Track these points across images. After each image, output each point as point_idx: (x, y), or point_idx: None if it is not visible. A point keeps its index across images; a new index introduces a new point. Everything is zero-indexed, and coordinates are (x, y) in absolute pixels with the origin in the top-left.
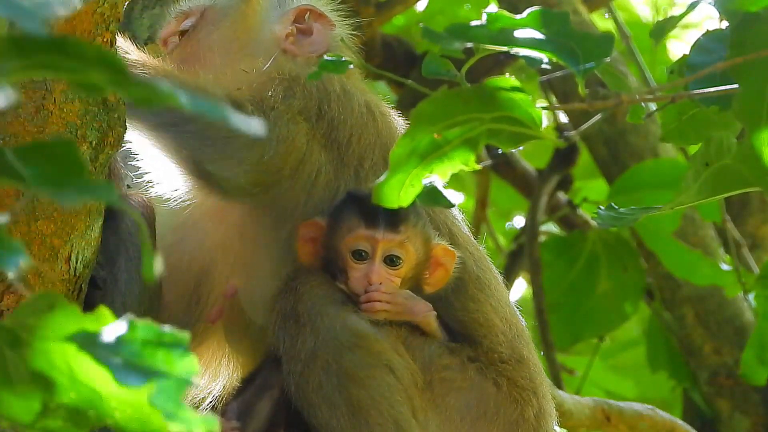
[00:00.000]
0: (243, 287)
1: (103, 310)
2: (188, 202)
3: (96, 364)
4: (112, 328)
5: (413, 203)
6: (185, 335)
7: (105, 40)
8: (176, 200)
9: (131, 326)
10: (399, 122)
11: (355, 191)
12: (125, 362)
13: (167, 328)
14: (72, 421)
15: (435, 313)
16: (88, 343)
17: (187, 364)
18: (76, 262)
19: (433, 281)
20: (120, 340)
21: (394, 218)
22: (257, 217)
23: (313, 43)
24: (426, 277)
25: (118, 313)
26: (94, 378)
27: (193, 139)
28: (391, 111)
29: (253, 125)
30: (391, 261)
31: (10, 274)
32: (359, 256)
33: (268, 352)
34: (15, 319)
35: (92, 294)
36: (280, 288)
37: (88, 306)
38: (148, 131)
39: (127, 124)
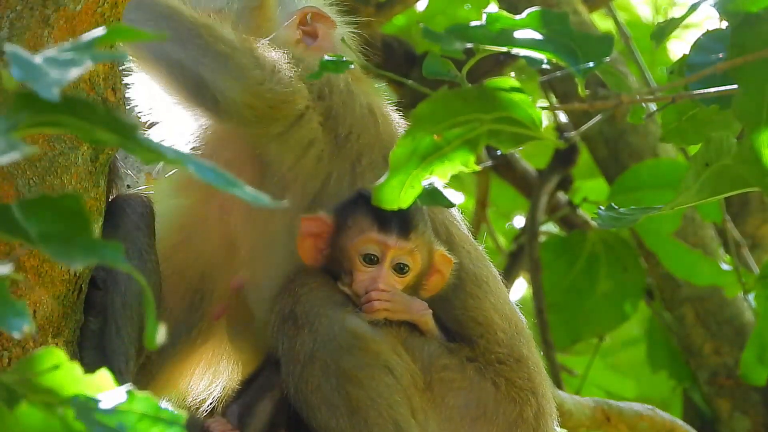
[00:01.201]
0: (250, 280)
1: (105, 373)
2: (193, 195)
3: None
4: (112, 396)
5: (420, 209)
6: (182, 414)
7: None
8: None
9: (130, 397)
10: (401, 124)
11: (366, 191)
12: None
13: (165, 404)
14: None
15: (431, 311)
16: (85, 408)
17: None
18: None
19: (430, 287)
20: (117, 411)
21: (406, 225)
22: (259, 207)
23: (320, 48)
24: (424, 283)
25: (118, 314)
26: None
27: (198, 51)
28: (395, 114)
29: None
30: (399, 269)
31: (15, 335)
32: (369, 260)
33: (269, 353)
34: (17, 373)
35: (92, 294)
36: (279, 289)
37: (89, 306)
38: (151, 47)
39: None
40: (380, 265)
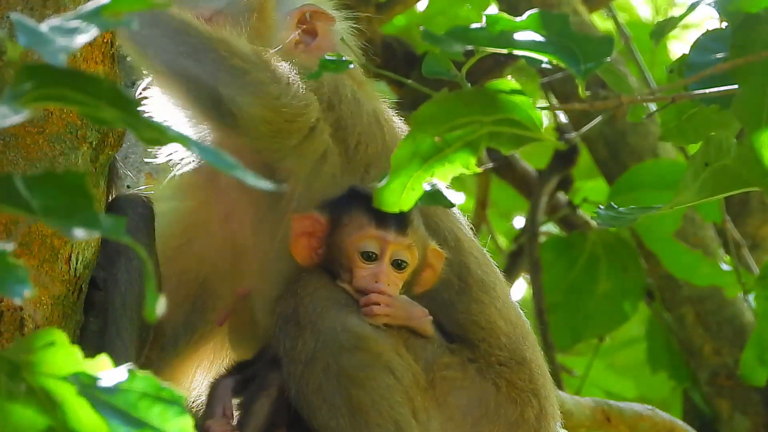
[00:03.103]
0: (256, 288)
1: (103, 356)
2: (195, 199)
3: (91, 411)
4: (111, 374)
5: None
6: (182, 394)
7: (105, 40)
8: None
9: (131, 375)
10: (403, 128)
11: (358, 187)
12: (120, 412)
13: (166, 384)
14: None
15: (431, 318)
16: (86, 385)
17: (182, 424)
18: (77, 263)
19: (422, 282)
20: (118, 388)
21: (403, 221)
22: (270, 213)
23: (321, 47)
24: (417, 278)
25: (118, 314)
26: (85, 426)
27: (213, 65)
28: (395, 117)
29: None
30: (398, 264)
31: (17, 300)
32: (368, 256)
33: (264, 349)
34: (12, 353)
35: (92, 295)
36: (281, 291)
37: (89, 307)
38: (167, 61)
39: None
40: (380, 261)
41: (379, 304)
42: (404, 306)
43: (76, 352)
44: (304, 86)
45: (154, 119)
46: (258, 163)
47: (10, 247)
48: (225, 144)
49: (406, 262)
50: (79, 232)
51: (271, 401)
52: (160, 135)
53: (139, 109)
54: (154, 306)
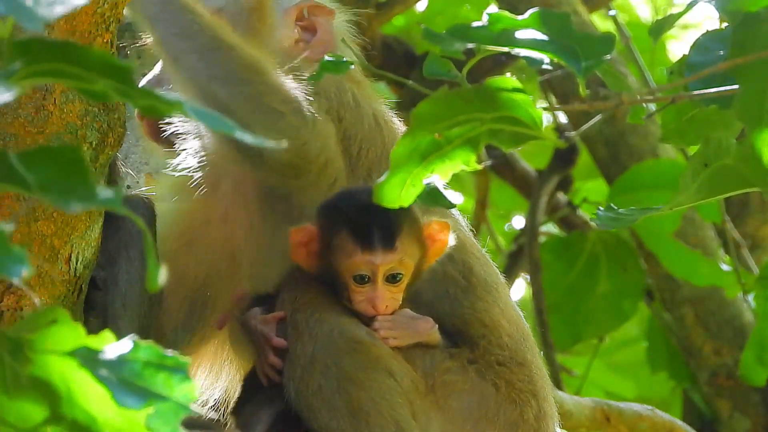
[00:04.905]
0: (253, 290)
1: (106, 332)
2: (196, 197)
3: (95, 383)
4: (114, 347)
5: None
6: (186, 360)
7: (105, 40)
8: (192, 175)
9: (134, 346)
10: (402, 128)
11: (344, 199)
12: (125, 382)
13: (170, 352)
14: None
15: (437, 326)
16: (89, 359)
17: (187, 390)
18: (77, 263)
19: (431, 255)
20: (121, 359)
21: (389, 236)
22: (265, 218)
23: (322, 42)
24: (423, 262)
25: (118, 314)
26: (91, 401)
27: (247, 102)
28: (395, 118)
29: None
30: (392, 278)
31: (15, 280)
32: (361, 279)
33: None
34: (15, 332)
35: (92, 295)
36: (279, 296)
37: (89, 307)
38: (198, 84)
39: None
40: (373, 283)
41: (388, 338)
42: (408, 324)
43: (79, 328)
44: (320, 111)
45: (148, 87)
46: (248, 180)
47: (9, 227)
48: (234, 171)
49: (401, 273)
50: (78, 207)
51: (274, 414)
52: (155, 103)
53: (132, 77)
54: (156, 276)
